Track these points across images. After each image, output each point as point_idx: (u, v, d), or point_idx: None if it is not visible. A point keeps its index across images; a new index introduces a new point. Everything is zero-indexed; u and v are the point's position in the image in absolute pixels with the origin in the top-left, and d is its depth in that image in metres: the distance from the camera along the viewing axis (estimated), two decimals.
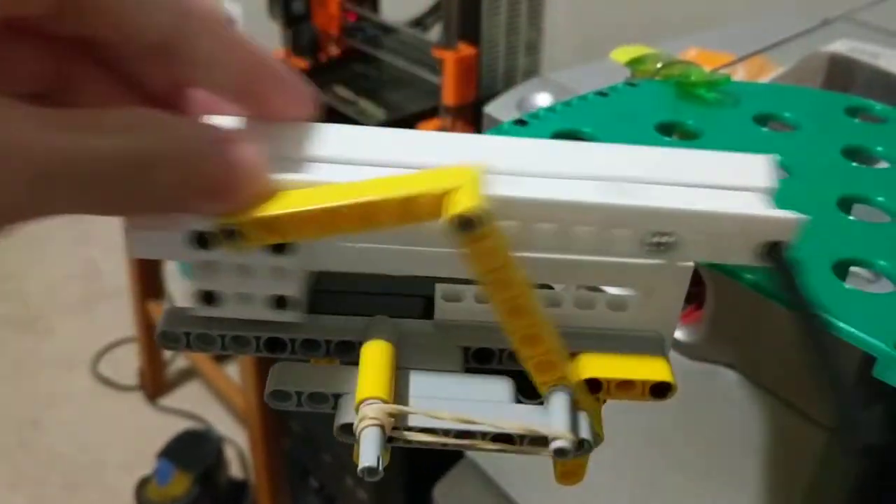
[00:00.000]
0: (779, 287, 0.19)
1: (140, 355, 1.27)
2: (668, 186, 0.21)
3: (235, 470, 1.15)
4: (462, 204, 0.17)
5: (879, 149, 0.27)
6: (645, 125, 0.28)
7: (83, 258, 1.63)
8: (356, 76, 1.07)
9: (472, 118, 0.94)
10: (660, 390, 0.20)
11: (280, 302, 0.21)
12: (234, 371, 1.11)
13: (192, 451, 1.00)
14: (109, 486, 1.15)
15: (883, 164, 0.27)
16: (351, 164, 0.21)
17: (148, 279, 1.16)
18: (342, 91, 1.04)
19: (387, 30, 1.07)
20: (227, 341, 0.22)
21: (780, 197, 0.25)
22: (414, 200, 0.18)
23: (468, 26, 0.90)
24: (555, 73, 0.56)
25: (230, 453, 1.17)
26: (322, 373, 0.21)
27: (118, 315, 1.45)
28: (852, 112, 0.30)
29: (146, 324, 1.20)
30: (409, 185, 0.18)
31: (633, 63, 0.33)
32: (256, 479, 1.03)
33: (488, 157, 0.20)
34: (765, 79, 0.54)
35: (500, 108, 0.54)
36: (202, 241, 0.20)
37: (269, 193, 0.19)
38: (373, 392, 0.19)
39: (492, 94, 0.95)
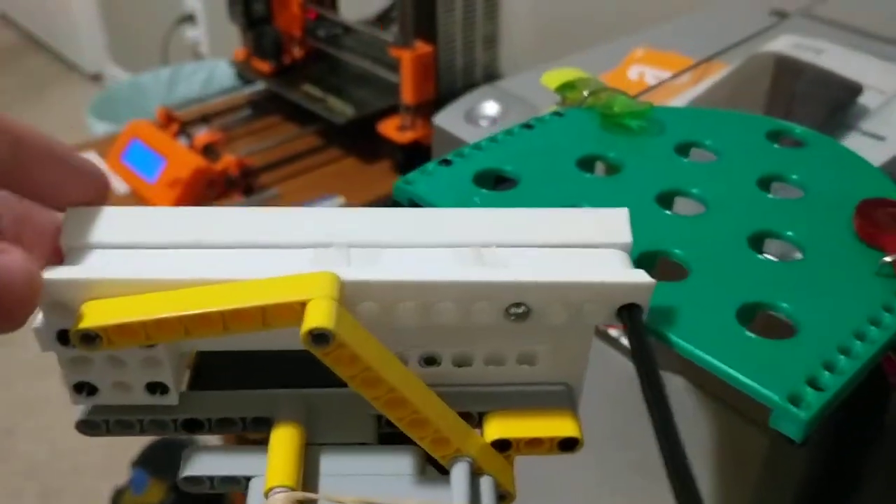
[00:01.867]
0: (631, 349, 0.20)
1: None
2: (527, 249, 0.21)
3: None
4: (314, 320, 0.17)
5: (794, 177, 0.28)
6: (567, 160, 0.28)
7: None
8: (322, 75, 1.07)
9: (431, 115, 0.94)
10: (568, 445, 0.21)
11: (157, 387, 0.21)
12: None
13: (167, 458, 1.00)
14: (87, 493, 1.15)
15: (797, 193, 0.27)
16: (201, 247, 0.21)
17: None
18: (310, 89, 1.03)
19: (346, 29, 1.07)
20: (145, 425, 0.22)
21: (694, 234, 0.25)
22: (271, 309, 0.18)
23: (423, 24, 0.89)
24: (505, 81, 0.56)
25: None
26: (232, 455, 0.21)
27: None
28: (773, 136, 0.30)
29: None
30: (266, 294, 0.18)
31: (562, 90, 0.33)
32: None
33: (345, 230, 0.21)
34: (712, 79, 0.55)
35: (448, 118, 0.54)
36: (64, 338, 0.19)
37: (114, 292, 0.19)
38: (280, 480, 0.19)
39: (451, 90, 0.95)
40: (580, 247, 0.21)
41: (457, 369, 0.21)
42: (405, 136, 0.94)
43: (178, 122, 1.02)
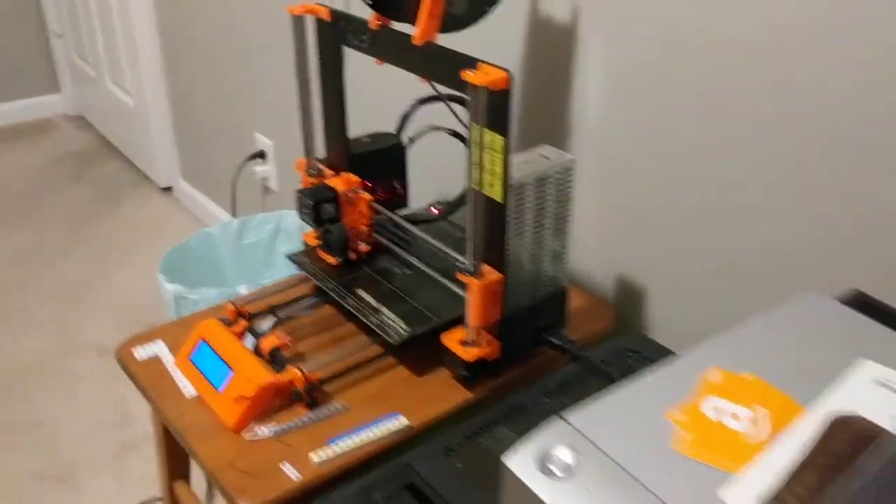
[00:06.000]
0: None
1: None
2: None
3: None
4: None
5: None
6: None
7: (115, 400, 1.65)
8: (381, 276, 1.08)
9: (497, 332, 0.94)
10: None
11: None
12: None
13: None
14: None
15: None
16: None
17: (175, 460, 1.16)
18: (366, 296, 1.04)
19: (412, 236, 1.08)
20: None
21: None
22: None
23: (493, 251, 0.90)
24: (579, 415, 0.55)
25: None
26: None
27: (149, 467, 1.46)
28: None
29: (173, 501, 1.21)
30: None
31: None
32: None
33: None
34: (790, 425, 0.53)
35: (520, 462, 0.53)
36: None
37: None
38: None
39: (518, 305, 0.95)
40: None
41: None
42: (470, 353, 0.93)
43: (245, 318, 1.04)
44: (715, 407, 0.56)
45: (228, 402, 0.91)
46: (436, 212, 1.16)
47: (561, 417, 0.55)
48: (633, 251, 1.11)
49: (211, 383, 0.95)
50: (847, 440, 0.50)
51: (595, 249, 1.17)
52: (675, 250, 1.06)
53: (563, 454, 0.53)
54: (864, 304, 0.71)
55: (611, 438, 0.53)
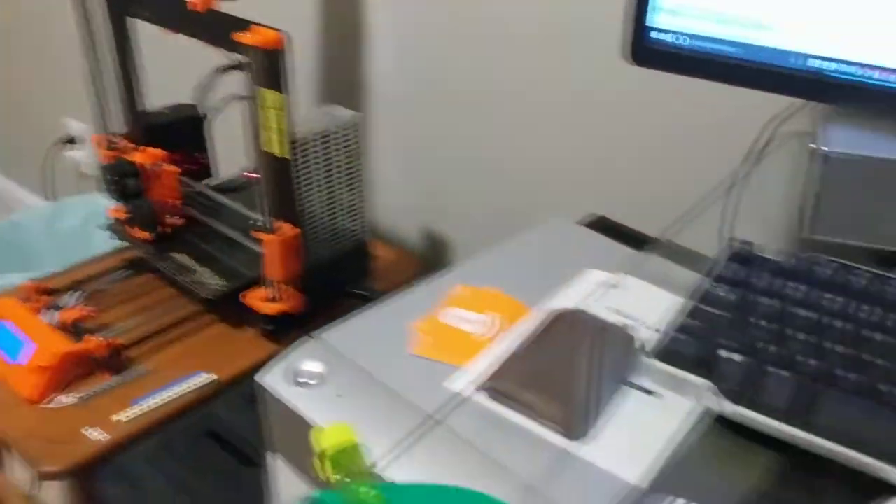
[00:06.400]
0: None
1: None
2: None
3: None
4: None
5: None
6: None
7: None
8: (196, 242, 1.10)
9: (299, 286, 0.98)
10: None
11: None
12: None
13: None
14: None
15: None
16: None
17: None
18: (182, 259, 1.06)
19: (219, 203, 1.10)
20: None
21: None
22: None
23: (286, 208, 0.94)
24: (328, 334, 0.60)
25: None
26: None
27: None
28: None
29: None
30: None
31: (333, 463, 0.37)
32: None
33: None
34: (515, 326, 0.61)
35: (274, 379, 0.58)
36: None
37: None
38: None
39: (318, 260, 1.00)
40: None
41: None
42: (273, 308, 0.97)
43: (46, 295, 1.03)
44: (453, 315, 0.62)
45: (27, 375, 0.91)
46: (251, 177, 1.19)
47: (311, 336, 0.60)
48: (434, 203, 1.18)
49: (8, 360, 0.94)
50: (559, 327, 0.58)
51: (398, 204, 1.23)
52: (470, 200, 1.13)
53: (313, 366, 0.58)
54: (604, 225, 0.80)
55: (358, 349, 0.59)
